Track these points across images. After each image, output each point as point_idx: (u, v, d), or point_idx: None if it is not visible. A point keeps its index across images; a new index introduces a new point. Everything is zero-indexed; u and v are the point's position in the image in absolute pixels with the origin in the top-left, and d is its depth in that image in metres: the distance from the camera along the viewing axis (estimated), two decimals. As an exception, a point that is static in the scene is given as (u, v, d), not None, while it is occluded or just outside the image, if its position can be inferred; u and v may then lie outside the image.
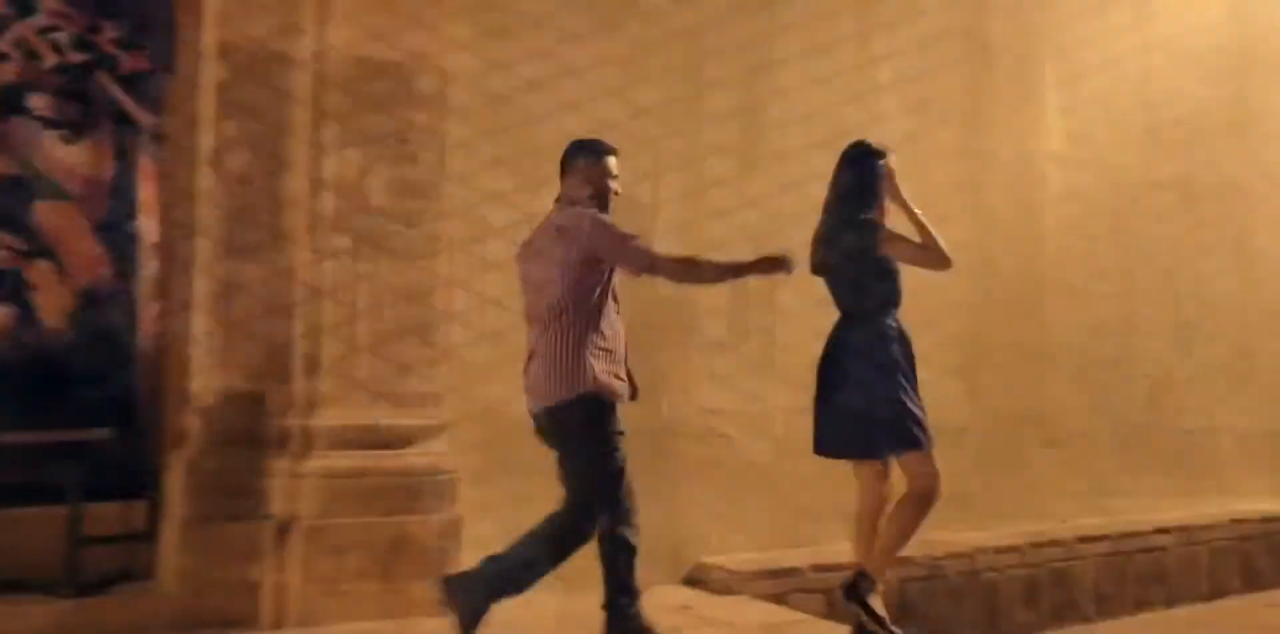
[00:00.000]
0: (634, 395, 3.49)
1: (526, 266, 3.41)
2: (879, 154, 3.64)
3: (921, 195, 5.52)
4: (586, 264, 3.24)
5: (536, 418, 3.38)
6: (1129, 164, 6.12)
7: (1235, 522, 5.96)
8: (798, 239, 4.99)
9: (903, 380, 3.47)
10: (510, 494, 4.49)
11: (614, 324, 3.33)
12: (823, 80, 5.12)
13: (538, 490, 4.76)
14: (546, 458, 4.77)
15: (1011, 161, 5.69)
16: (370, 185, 3.85)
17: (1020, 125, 5.75)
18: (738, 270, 3.37)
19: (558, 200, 3.48)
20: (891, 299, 3.55)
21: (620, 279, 3.38)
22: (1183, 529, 5.73)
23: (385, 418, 3.84)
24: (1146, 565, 5.55)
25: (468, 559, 4.23)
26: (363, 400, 3.81)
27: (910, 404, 3.46)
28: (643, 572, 4.62)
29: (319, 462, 3.68)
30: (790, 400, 5.28)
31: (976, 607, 4.98)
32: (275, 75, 3.81)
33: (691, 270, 3.37)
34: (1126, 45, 6.16)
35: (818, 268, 3.67)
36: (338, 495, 3.69)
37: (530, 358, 3.35)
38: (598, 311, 3.27)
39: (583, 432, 3.27)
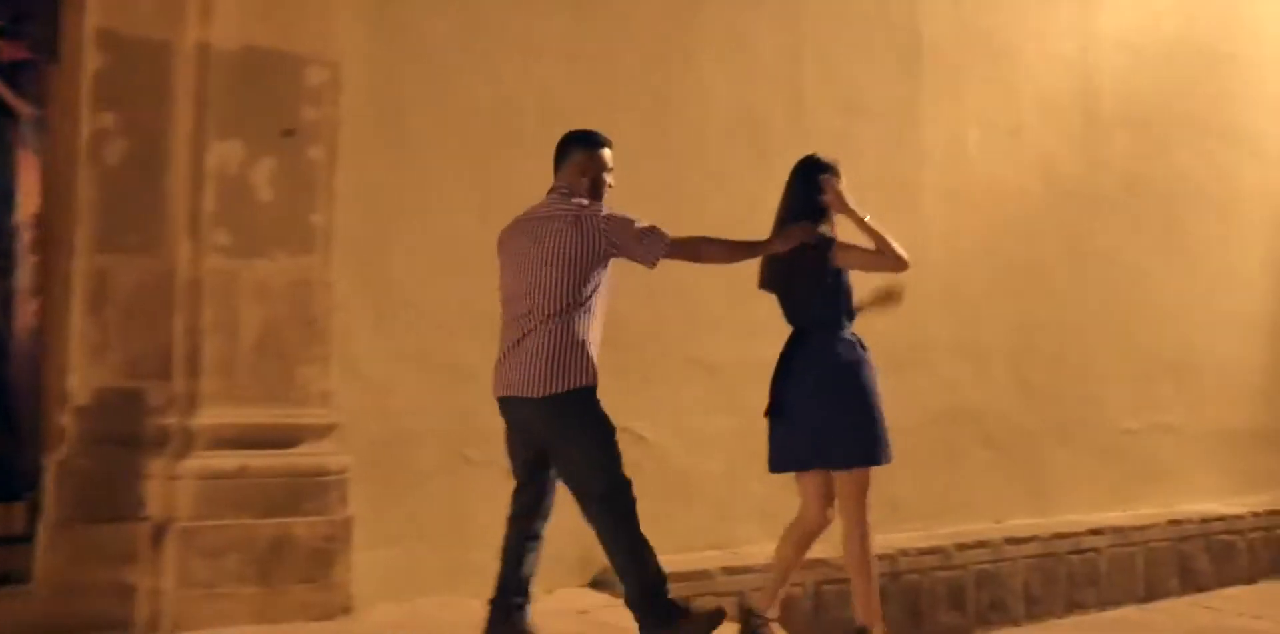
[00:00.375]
0: None
1: (520, 256, 3.36)
2: (827, 167, 3.65)
3: (851, 191, 5.51)
4: (601, 260, 3.27)
5: (516, 409, 3.33)
6: (1071, 160, 6.04)
7: (1173, 522, 5.90)
8: (723, 235, 4.98)
9: (870, 392, 3.48)
10: (407, 493, 4.48)
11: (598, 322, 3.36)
12: (743, 74, 5.03)
13: (435, 489, 4.69)
14: (445, 456, 4.73)
15: (945, 158, 5.60)
16: (254, 178, 3.76)
17: (955, 120, 5.66)
18: (758, 246, 3.49)
19: (552, 190, 3.45)
20: (848, 312, 3.58)
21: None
22: (1117, 530, 5.67)
23: (268, 417, 3.74)
24: (1079, 567, 5.49)
25: (360, 561, 4.18)
26: (245, 399, 3.71)
27: (873, 419, 3.46)
28: (550, 574, 4.59)
29: (197, 462, 3.59)
30: (707, 400, 5.26)
31: (898, 609, 4.90)
32: (157, 65, 3.71)
33: (714, 250, 3.43)
34: (1068, 39, 6.08)
35: (767, 283, 3.66)
36: (215, 496, 3.59)
37: (511, 349, 3.31)
38: (597, 306, 3.31)
39: (592, 421, 3.27)
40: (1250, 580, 6.14)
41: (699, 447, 5.09)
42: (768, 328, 5.22)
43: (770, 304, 5.15)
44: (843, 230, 3.62)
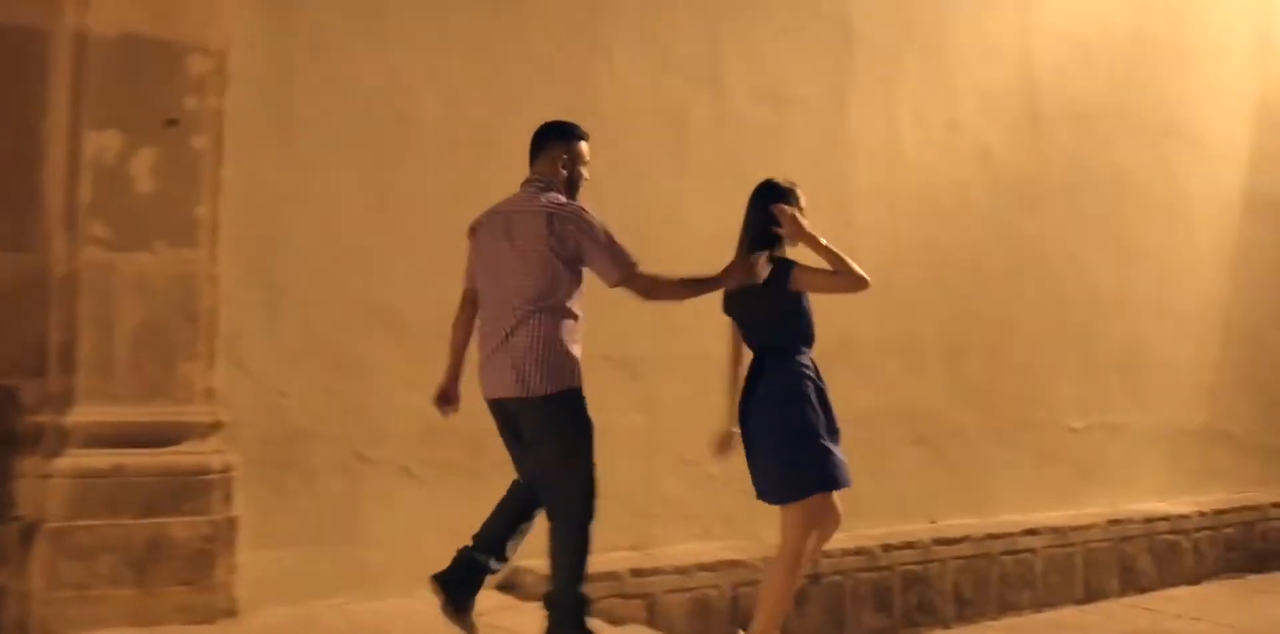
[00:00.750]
0: None
1: (495, 253, 3.37)
2: (784, 194, 3.63)
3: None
4: (576, 259, 3.28)
5: (505, 410, 3.35)
6: (1011, 154, 5.95)
7: (1114, 522, 5.81)
8: (643, 233, 4.88)
9: (812, 423, 3.46)
10: (300, 493, 4.37)
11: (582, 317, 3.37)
12: (659, 63, 4.93)
13: (329, 489, 4.55)
14: (339, 455, 4.60)
15: (877, 151, 5.51)
16: (134, 169, 3.66)
17: (887, 115, 5.56)
18: (705, 284, 3.45)
19: (527, 182, 3.43)
20: (806, 337, 3.59)
21: None
22: (1055, 530, 5.58)
23: (147, 414, 3.65)
24: (1013, 568, 5.40)
25: (249, 563, 4.07)
26: (123, 396, 3.62)
27: (812, 449, 3.44)
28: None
29: (70, 460, 3.50)
30: (632, 397, 5.14)
31: (819, 612, 4.82)
32: (32, 52, 3.62)
33: (666, 288, 3.39)
34: (1006, 32, 5.98)
35: (727, 309, 3.67)
36: (89, 496, 3.50)
37: (495, 351, 3.30)
38: (576, 305, 3.31)
39: (576, 422, 3.32)
40: (1195, 581, 6.06)
41: (615, 445, 4.97)
42: (686, 324, 5.17)
43: (692, 302, 5.10)
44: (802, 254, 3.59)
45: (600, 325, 5.03)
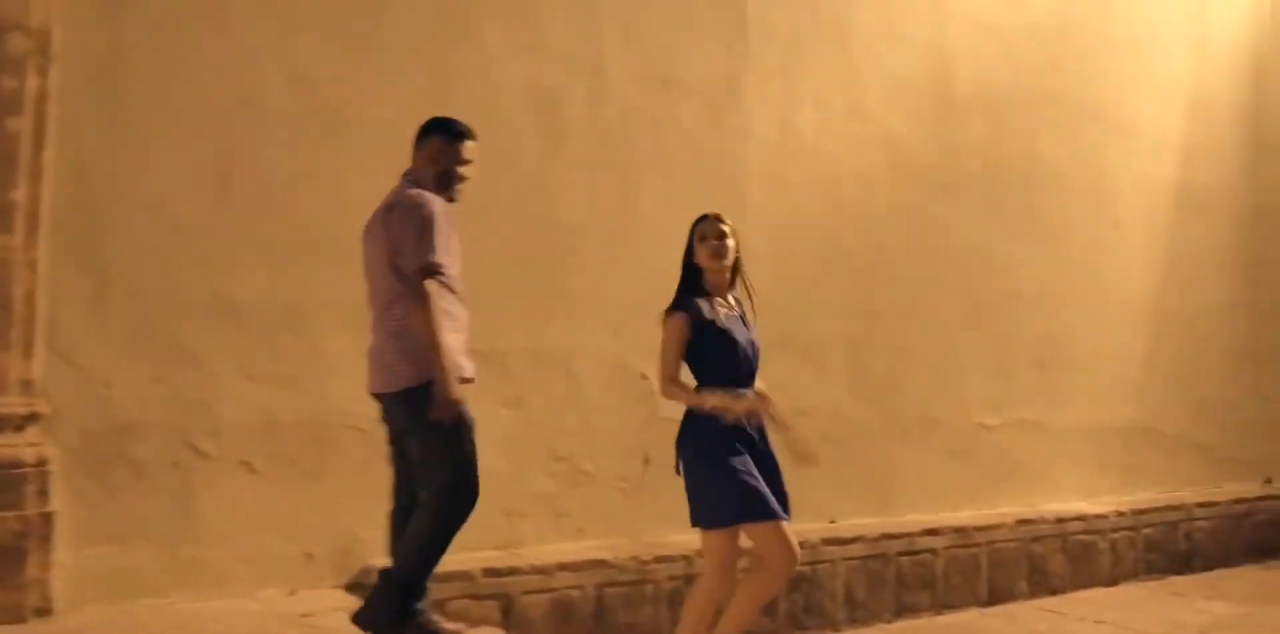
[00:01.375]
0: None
1: (365, 245, 3.45)
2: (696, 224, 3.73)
3: (667, 176, 5.28)
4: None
5: (379, 403, 3.45)
6: (917, 141, 5.80)
7: (1022, 522, 5.66)
8: (514, 225, 4.75)
9: (718, 454, 3.50)
10: (128, 488, 4.19)
11: (454, 304, 3.37)
12: (533, 45, 4.78)
13: (159, 483, 4.33)
14: (171, 448, 4.36)
15: (771, 139, 5.36)
16: (-60, 151, 3.52)
17: (786, 101, 5.42)
18: (437, 357, 3.24)
19: (404, 175, 3.48)
20: (710, 378, 3.61)
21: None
22: (958, 530, 5.43)
23: (-49, 406, 3.51)
24: (911, 569, 5.25)
25: (67, 559, 3.93)
26: (-74, 388, 3.49)
27: (717, 480, 3.47)
28: (300, 575, 4.36)
29: None
30: (490, 388, 4.96)
31: (698, 613, 4.68)
32: None
33: (427, 319, 3.24)
34: (917, 18, 5.82)
35: None
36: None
37: (370, 343, 3.41)
38: (440, 293, 3.28)
39: (417, 421, 3.31)
40: (1112, 583, 5.92)
41: (482, 441, 4.82)
42: (557, 317, 5.04)
43: (558, 293, 4.98)
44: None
45: (471, 321, 4.95)
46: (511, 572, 4.38)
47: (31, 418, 3.72)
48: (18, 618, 3.56)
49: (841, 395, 5.55)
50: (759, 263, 5.41)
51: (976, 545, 5.48)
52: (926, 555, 5.31)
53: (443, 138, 3.44)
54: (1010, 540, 5.60)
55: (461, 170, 3.44)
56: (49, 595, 3.67)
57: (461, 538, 4.68)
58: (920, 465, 5.72)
